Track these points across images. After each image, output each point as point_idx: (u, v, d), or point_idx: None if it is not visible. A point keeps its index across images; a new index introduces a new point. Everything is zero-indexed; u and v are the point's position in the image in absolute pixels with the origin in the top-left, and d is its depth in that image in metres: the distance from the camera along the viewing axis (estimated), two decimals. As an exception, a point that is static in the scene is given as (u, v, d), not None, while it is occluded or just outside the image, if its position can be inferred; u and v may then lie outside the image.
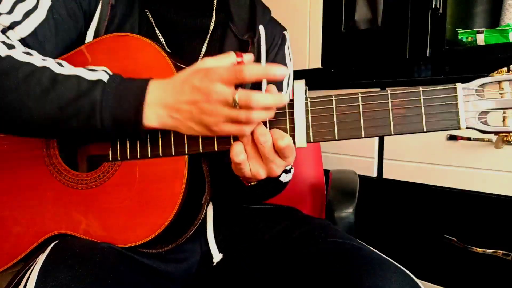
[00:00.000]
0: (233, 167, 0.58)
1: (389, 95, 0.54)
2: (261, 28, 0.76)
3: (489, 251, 1.14)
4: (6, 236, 0.63)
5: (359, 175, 1.01)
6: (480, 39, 1.21)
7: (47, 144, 0.64)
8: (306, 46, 1.63)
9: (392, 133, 0.54)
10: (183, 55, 0.72)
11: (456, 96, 0.53)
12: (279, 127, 0.57)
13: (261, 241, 0.69)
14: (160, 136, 0.60)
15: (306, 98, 0.56)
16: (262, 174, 0.57)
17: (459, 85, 0.54)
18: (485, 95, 0.54)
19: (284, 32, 0.83)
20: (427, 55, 1.26)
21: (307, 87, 0.57)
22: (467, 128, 0.54)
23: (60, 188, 0.62)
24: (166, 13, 0.73)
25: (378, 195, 1.39)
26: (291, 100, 0.57)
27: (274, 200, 0.80)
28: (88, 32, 0.67)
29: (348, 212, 0.82)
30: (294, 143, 0.56)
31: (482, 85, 0.54)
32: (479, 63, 1.14)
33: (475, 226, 1.18)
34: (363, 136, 0.55)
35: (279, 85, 0.79)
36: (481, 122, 0.54)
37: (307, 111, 0.56)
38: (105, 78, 0.55)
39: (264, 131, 0.55)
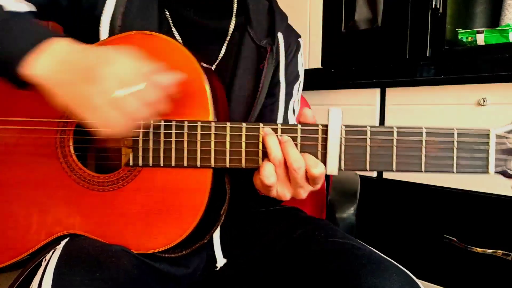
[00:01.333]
0: (259, 186, 0.57)
1: (423, 133, 0.55)
2: (280, 35, 0.75)
3: (489, 251, 1.14)
4: (15, 230, 0.62)
5: (360, 176, 1.01)
6: (480, 39, 1.21)
7: (62, 141, 0.63)
8: (306, 46, 1.63)
9: (423, 171, 0.55)
10: (200, 58, 0.71)
11: (488, 142, 0.55)
12: (310, 151, 0.56)
13: (262, 242, 0.69)
14: (185, 147, 0.59)
15: (341, 126, 0.55)
16: (288, 196, 0.57)
17: (492, 131, 0.55)
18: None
19: (299, 40, 0.83)
20: (427, 55, 1.26)
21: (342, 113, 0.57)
22: (495, 173, 0.56)
23: (74, 187, 0.61)
24: (185, 13, 0.71)
25: (378, 196, 1.39)
26: (325, 126, 0.56)
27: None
28: (103, 16, 0.65)
29: (349, 212, 0.82)
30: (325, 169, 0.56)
31: (510, 131, 0.55)
32: (479, 63, 1.14)
33: (475, 226, 1.18)
34: (394, 170, 0.56)
35: (288, 92, 0.79)
36: (509, 169, 0.56)
37: (341, 139, 0.56)
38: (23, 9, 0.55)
39: (297, 157, 0.54)
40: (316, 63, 1.57)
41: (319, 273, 0.57)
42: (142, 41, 0.61)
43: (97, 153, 0.67)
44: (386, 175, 1.38)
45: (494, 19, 1.34)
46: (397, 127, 0.55)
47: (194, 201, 0.59)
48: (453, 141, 0.55)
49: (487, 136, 0.54)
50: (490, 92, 1.13)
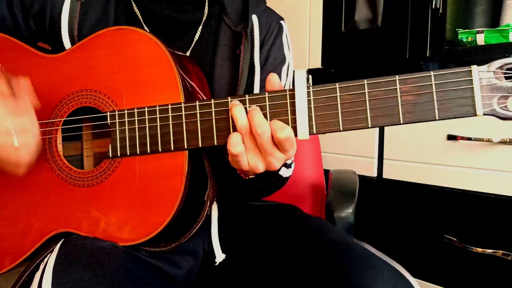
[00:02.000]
0: (230, 160, 0.57)
1: (397, 81, 0.51)
2: (254, 18, 0.74)
3: (489, 251, 1.14)
4: (9, 235, 0.63)
5: (359, 175, 1.01)
6: (480, 39, 1.21)
7: (49, 141, 0.64)
8: (306, 46, 1.63)
9: (402, 122, 0.51)
10: (173, 47, 0.72)
11: (472, 79, 0.49)
12: (280, 118, 0.54)
13: (259, 239, 0.69)
14: (159, 131, 0.59)
15: (308, 87, 0.54)
16: (260, 167, 0.55)
17: (474, 68, 0.49)
18: (505, 78, 0.49)
19: (281, 22, 0.81)
20: (427, 55, 1.26)
21: (310, 75, 0.55)
22: (484, 114, 0.49)
23: (62, 186, 0.62)
24: (156, 8, 0.72)
25: (378, 195, 1.39)
26: (292, 90, 0.54)
27: (274, 199, 0.80)
28: (62, 30, 0.68)
29: (347, 212, 0.82)
30: (296, 135, 0.54)
31: (500, 67, 0.49)
32: (479, 63, 1.14)
33: (475, 226, 1.18)
34: (369, 126, 0.52)
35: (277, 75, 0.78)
36: (501, 107, 0.49)
37: (309, 100, 0.53)
38: None
39: (262, 122, 0.53)
40: (316, 63, 1.58)
41: (312, 270, 0.57)
42: (112, 36, 0.63)
43: (88, 149, 0.69)
44: (386, 175, 1.38)
45: (494, 19, 1.34)
46: (368, 79, 0.51)
47: (172, 186, 0.59)
48: (431, 84, 0.50)
49: (469, 73, 0.49)
50: (490, 92, 1.13)
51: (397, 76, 0.51)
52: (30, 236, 0.62)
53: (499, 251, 1.12)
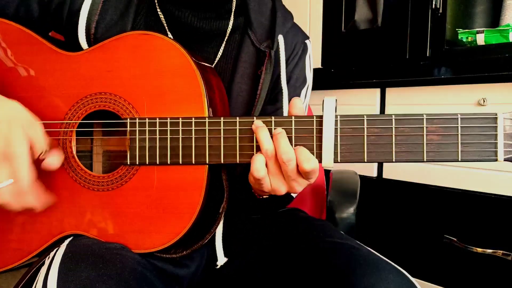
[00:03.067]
0: (252, 181, 0.57)
1: (424, 120, 0.52)
2: (281, 38, 0.71)
3: (489, 251, 1.14)
4: (20, 232, 0.62)
5: (359, 175, 1.01)
6: (480, 39, 1.21)
7: (64, 142, 0.63)
8: (306, 46, 1.63)
9: (425, 160, 0.52)
10: (199, 57, 0.70)
11: (496, 126, 0.51)
12: (305, 144, 0.55)
13: (261, 242, 0.69)
14: (180, 144, 0.59)
15: (336, 116, 0.54)
16: (283, 190, 0.56)
17: (500, 115, 0.51)
18: None
19: (306, 41, 0.79)
20: (427, 55, 1.26)
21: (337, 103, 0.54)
22: (505, 160, 0.51)
23: (75, 188, 0.62)
24: (180, 15, 0.69)
25: (378, 195, 1.39)
26: (320, 117, 0.54)
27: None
28: (79, 25, 0.67)
29: (349, 212, 0.82)
30: (320, 161, 0.54)
31: None
32: (479, 63, 1.14)
33: (475, 226, 1.18)
34: (393, 161, 0.53)
35: (295, 96, 0.77)
36: None
37: (336, 129, 0.54)
38: None
39: (287, 149, 0.53)
40: (316, 63, 1.57)
41: (316, 272, 0.57)
42: (135, 41, 0.61)
43: (98, 152, 0.68)
44: (386, 175, 1.38)
45: (494, 19, 1.34)
46: (396, 115, 0.53)
47: (190, 198, 0.59)
48: (457, 127, 0.51)
49: (495, 120, 0.51)
50: (490, 92, 1.13)
51: (424, 115, 0.52)
52: (40, 235, 0.62)
53: (499, 251, 1.12)
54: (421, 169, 1.29)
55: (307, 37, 0.80)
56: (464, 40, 1.25)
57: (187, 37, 0.71)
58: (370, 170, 1.41)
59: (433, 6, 1.25)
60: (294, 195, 0.70)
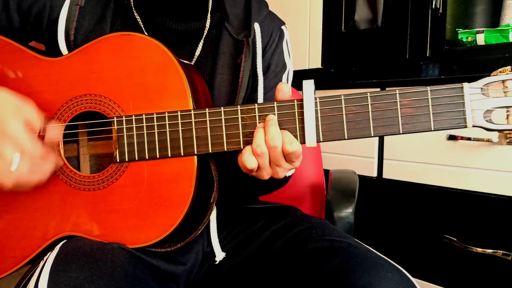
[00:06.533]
0: (240, 163, 0.59)
1: (397, 95, 0.56)
2: (257, 26, 0.74)
3: (489, 251, 1.14)
4: (13, 238, 0.63)
5: (359, 175, 1.01)
6: (480, 39, 1.21)
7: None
8: (306, 46, 1.63)
9: (401, 132, 0.56)
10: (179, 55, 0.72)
11: (463, 95, 0.55)
12: (288, 127, 0.58)
13: (259, 240, 0.69)
14: (168, 137, 0.60)
15: (315, 98, 0.57)
16: (266, 176, 0.58)
17: (466, 85, 0.55)
18: (490, 94, 0.56)
19: (282, 27, 0.81)
20: (427, 55, 1.26)
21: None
22: (473, 126, 0.56)
23: (66, 190, 0.62)
24: (158, 18, 0.72)
25: (377, 195, 1.39)
26: (301, 100, 0.57)
27: (274, 199, 0.80)
28: (58, 33, 0.68)
29: (347, 212, 0.82)
30: (304, 142, 0.57)
31: (487, 84, 0.56)
32: (479, 63, 1.14)
33: (475, 226, 1.18)
34: (372, 135, 0.56)
35: (276, 83, 0.78)
36: (486, 120, 0.56)
37: (316, 110, 0.57)
38: None
39: (276, 135, 0.56)
40: (316, 63, 1.58)
41: (314, 271, 0.57)
42: (117, 42, 0.62)
43: (84, 152, 0.68)
44: (386, 174, 1.38)
45: (494, 19, 1.34)
46: (370, 92, 0.56)
47: (181, 189, 0.60)
48: (427, 98, 0.55)
49: (461, 89, 0.55)
50: (490, 92, 1.13)
51: (397, 90, 0.56)
52: (34, 240, 0.62)
53: (499, 251, 1.12)
54: (421, 169, 1.29)
55: (283, 23, 0.82)
56: (464, 40, 1.25)
57: (165, 39, 0.72)
58: (370, 170, 1.41)
59: (433, 6, 1.25)
60: (288, 173, 0.71)
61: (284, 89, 0.58)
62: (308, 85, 0.56)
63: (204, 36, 0.74)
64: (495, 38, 1.19)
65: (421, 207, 1.30)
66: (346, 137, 0.57)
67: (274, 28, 0.79)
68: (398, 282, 0.52)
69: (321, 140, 0.57)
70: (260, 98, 0.75)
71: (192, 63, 0.74)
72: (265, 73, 0.76)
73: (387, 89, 0.56)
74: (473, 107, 0.55)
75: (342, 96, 0.56)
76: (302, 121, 0.57)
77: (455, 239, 1.21)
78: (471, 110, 0.55)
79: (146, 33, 0.73)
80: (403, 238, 1.34)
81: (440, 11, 1.24)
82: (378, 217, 1.40)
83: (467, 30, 1.25)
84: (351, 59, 1.48)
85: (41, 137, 0.59)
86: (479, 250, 1.15)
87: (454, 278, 1.23)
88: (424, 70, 1.26)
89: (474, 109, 0.55)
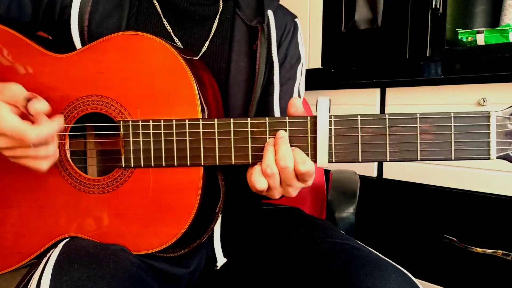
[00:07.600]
0: (249, 182, 0.58)
1: (418, 119, 0.52)
2: (270, 13, 0.73)
3: (489, 251, 1.14)
4: (18, 235, 0.63)
5: (359, 175, 1.01)
6: (480, 39, 1.21)
7: (58, 146, 0.63)
8: (306, 46, 1.63)
9: (418, 159, 0.52)
10: (189, 43, 0.72)
11: (489, 125, 0.51)
12: (299, 144, 0.55)
13: (262, 242, 0.69)
14: (175, 146, 0.59)
15: (330, 116, 0.54)
16: (277, 195, 0.57)
17: (493, 114, 0.52)
18: None
19: (296, 20, 0.80)
20: (427, 55, 1.26)
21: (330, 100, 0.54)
22: (497, 158, 0.52)
23: (71, 191, 0.62)
24: (175, 1, 0.71)
25: (378, 195, 1.39)
26: (314, 117, 0.54)
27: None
28: (71, 20, 0.66)
29: (348, 212, 0.82)
30: (315, 161, 0.54)
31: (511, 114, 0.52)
32: (479, 63, 1.14)
33: (475, 226, 1.18)
34: (387, 160, 0.53)
35: (292, 75, 0.77)
36: (511, 152, 0.52)
37: (330, 129, 0.54)
38: None
39: (287, 154, 0.53)
40: (316, 63, 1.57)
41: (317, 273, 0.56)
42: (126, 42, 0.61)
43: (95, 155, 0.68)
44: (386, 174, 1.38)
45: (494, 19, 1.34)
46: (389, 114, 0.53)
47: (186, 200, 0.59)
48: (450, 126, 0.52)
49: (487, 118, 0.51)
50: (490, 92, 1.13)
51: (418, 114, 0.52)
52: (37, 239, 0.62)
53: (499, 251, 1.12)
54: (421, 169, 1.29)
55: (296, 16, 0.82)
56: (464, 40, 1.25)
57: (181, 21, 0.72)
58: (370, 170, 1.41)
59: (433, 6, 1.25)
60: None
61: (297, 104, 0.56)
62: (323, 102, 0.53)
63: (216, 21, 0.74)
64: (495, 38, 1.19)
65: (421, 207, 1.30)
66: (360, 160, 0.53)
67: (288, 19, 0.78)
68: (402, 283, 0.52)
69: (334, 160, 0.54)
70: (277, 90, 0.73)
71: (205, 47, 0.73)
72: (281, 64, 0.75)
73: (405, 112, 0.52)
74: (498, 138, 0.51)
75: (359, 117, 0.53)
76: (314, 140, 0.54)
77: (455, 239, 1.21)
78: (496, 142, 0.51)
79: (162, 15, 0.72)
80: (403, 238, 1.35)
81: (440, 11, 1.24)
82: (378, 217, 1.40)
83: (467, 30, 1.25)
84: (351, 59, 1.48)
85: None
86: (479, 250, 1.15)
87: (454, 278, 1.24)
88: (424, 70, 1.26)
89: (500, 140, 0.51)
